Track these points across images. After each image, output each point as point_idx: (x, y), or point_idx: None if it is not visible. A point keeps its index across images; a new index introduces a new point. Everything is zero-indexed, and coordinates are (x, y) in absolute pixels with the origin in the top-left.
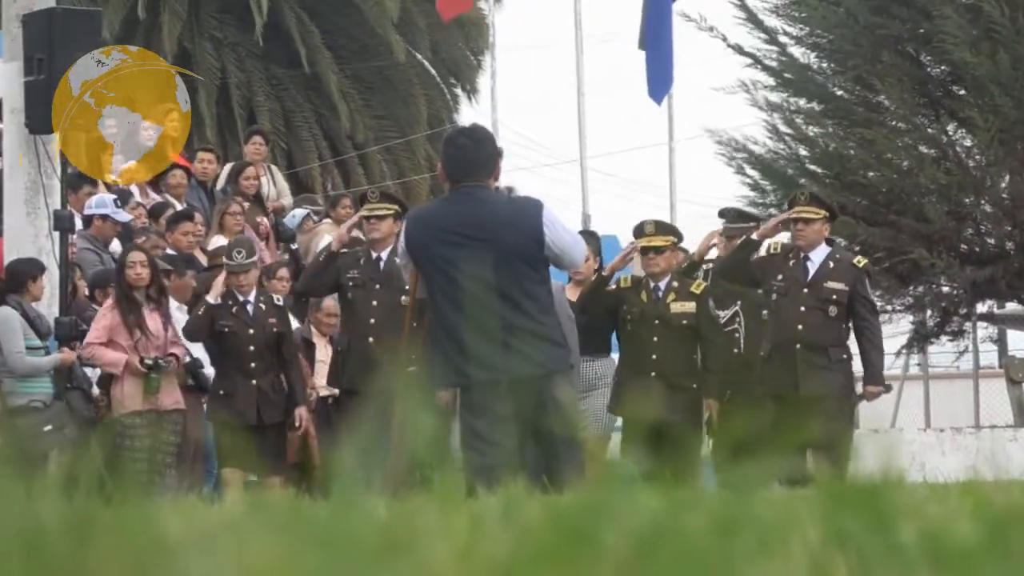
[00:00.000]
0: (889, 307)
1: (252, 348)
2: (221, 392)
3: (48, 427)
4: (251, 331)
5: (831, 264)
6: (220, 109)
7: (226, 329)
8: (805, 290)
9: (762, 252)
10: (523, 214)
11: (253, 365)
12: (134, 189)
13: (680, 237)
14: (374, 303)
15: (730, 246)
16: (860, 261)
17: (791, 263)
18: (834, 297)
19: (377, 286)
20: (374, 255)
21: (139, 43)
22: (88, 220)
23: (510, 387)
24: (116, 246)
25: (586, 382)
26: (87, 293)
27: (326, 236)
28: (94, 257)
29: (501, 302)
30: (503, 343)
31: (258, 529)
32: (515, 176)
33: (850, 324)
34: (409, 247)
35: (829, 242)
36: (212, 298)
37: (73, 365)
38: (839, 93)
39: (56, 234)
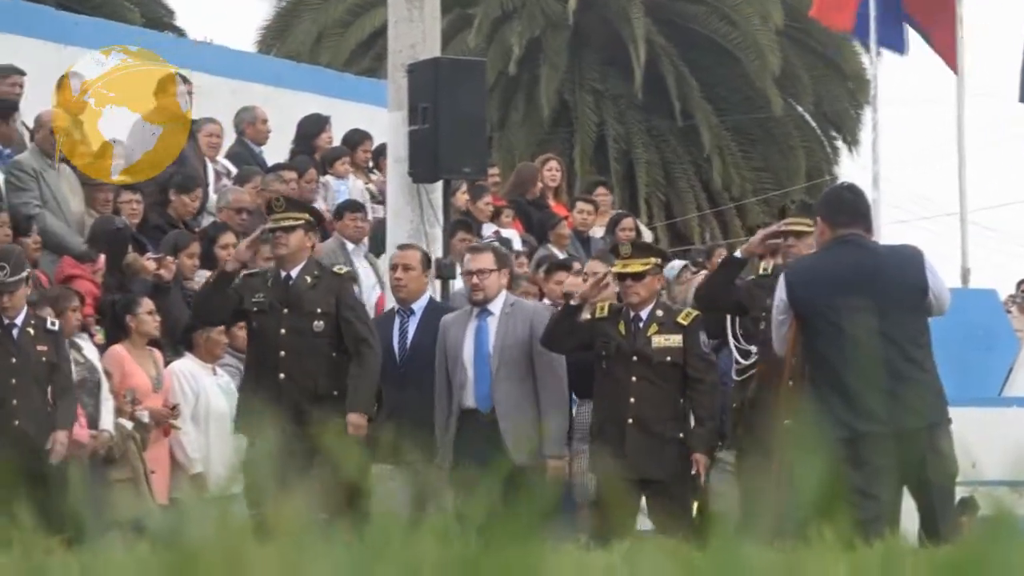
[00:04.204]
0: None
1: (14, 381)
2: None
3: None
4: (13, 360)
5: None
6: (597, 161)
7: None
8: None
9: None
10: (907, 262)
11: (15, 403)
12: (513, 236)
13: (664, 257)
14: (282, 331)
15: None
16: None
17: None
18: None
19: (285, 310)
20: (282, 274)
21: (520, 95)
22: None
23: (895, 439)
24: None
25: (582, 430)
26: None
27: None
28: None
29: (889, 351)
30: (891, 394)
31: None
32: (894, 228)
33: None
34: (792, 299)
35: None
36: None
37: None
38: None
39: (438, 282)
